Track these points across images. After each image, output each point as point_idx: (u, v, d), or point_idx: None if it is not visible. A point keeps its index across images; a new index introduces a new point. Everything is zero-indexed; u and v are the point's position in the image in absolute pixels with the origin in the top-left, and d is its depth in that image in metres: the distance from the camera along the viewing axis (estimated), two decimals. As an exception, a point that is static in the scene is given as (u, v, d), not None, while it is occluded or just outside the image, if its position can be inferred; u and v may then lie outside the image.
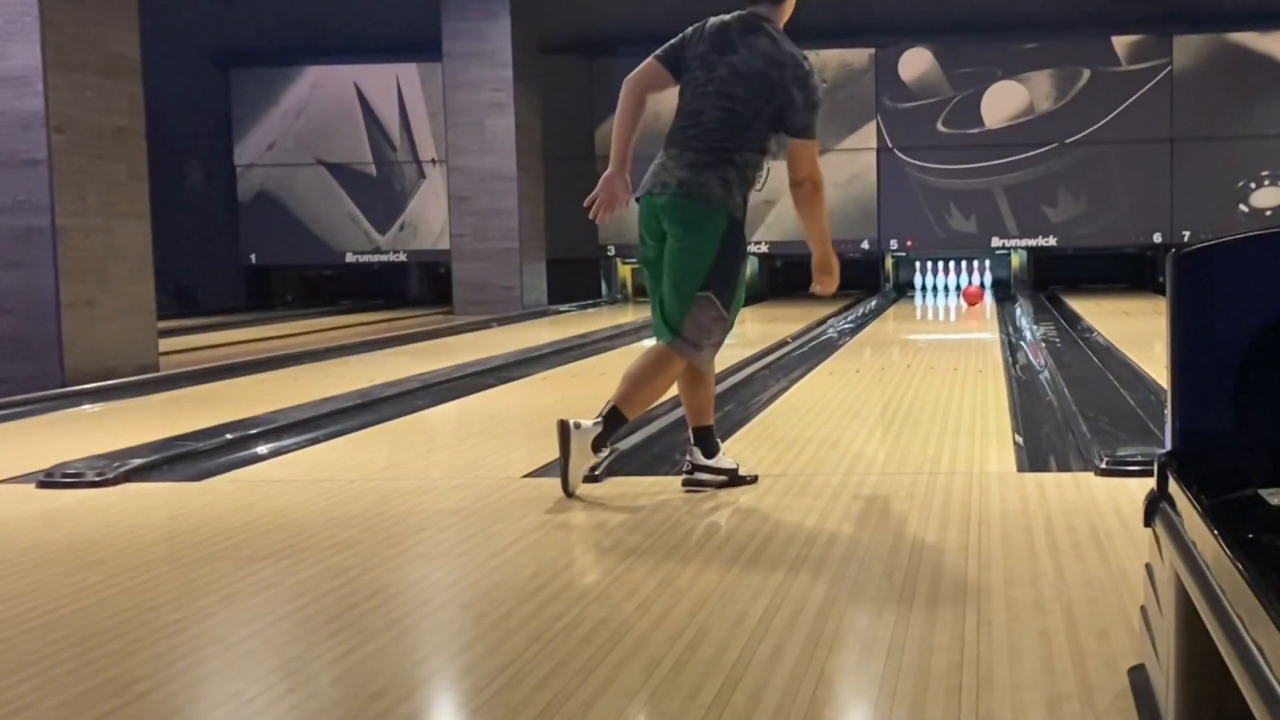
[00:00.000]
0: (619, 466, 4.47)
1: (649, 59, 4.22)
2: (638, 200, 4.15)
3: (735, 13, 4.16)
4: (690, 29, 4.20)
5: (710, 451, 4.15)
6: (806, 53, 4.13)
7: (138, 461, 4.74)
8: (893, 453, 4.81)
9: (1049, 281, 14.96)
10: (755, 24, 4.09)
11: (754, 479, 4.20)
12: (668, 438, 5.10)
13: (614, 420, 4.03)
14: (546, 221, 14.31)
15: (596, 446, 4.00)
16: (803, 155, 4.06)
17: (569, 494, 4.01)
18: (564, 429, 3.97)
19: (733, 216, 4.00)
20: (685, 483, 4.13)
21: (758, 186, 4.11)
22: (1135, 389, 6.18)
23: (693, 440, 4.16)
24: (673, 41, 4.21)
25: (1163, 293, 2.31)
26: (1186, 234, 14.32)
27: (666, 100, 4.31)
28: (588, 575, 3.17)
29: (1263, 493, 1.78)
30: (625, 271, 15.66)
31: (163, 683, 2.49)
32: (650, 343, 4.28)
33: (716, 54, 4.08)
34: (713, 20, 4.17)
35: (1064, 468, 4.51)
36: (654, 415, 5.24)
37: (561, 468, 4.00)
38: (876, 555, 3.29)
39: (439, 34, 13.51)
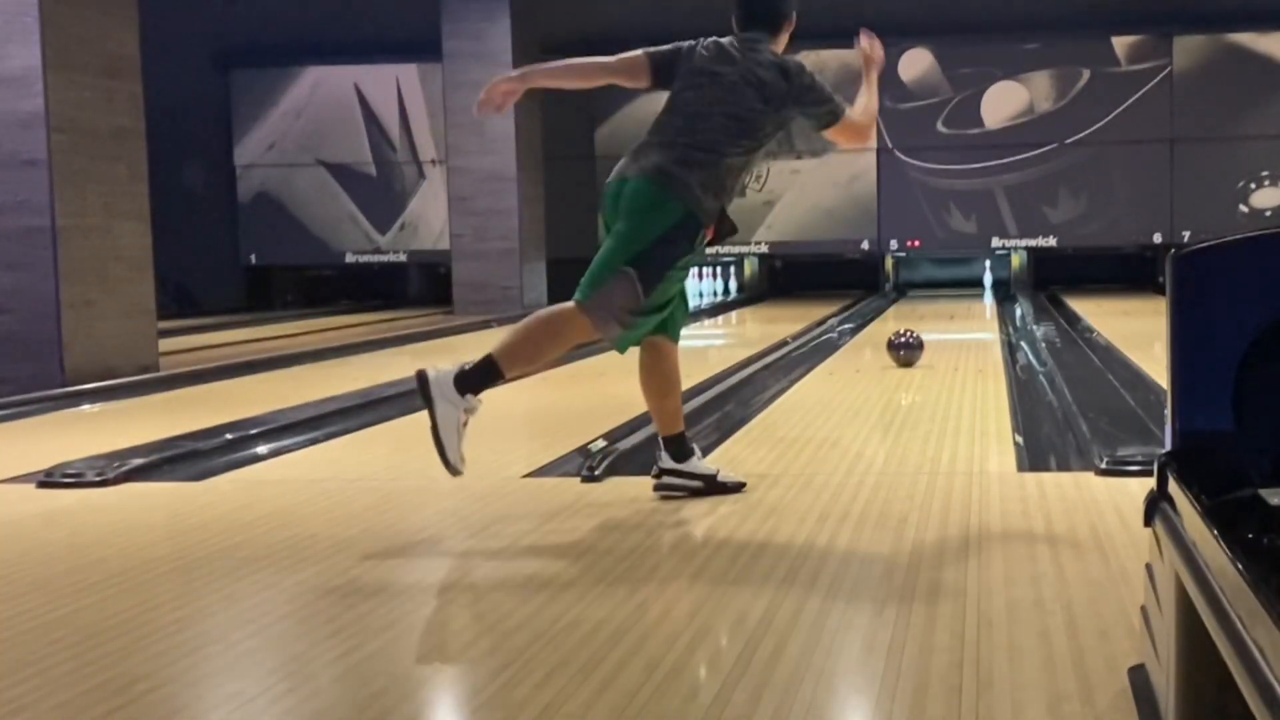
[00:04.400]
0: (619, 466, 4.47)
1: (639, 52, 4.10)
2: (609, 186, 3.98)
3: (731, 35, 4.10)
4: (686, 44, 4.11)
5: (681, 456, 4.04)
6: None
7: (138, 461, 4.74)
8: (893, 453, 4.81)
9: (1049, 281, 14.96)
10: (754, 44, 4.05)
11: (739, 486, 4.08)
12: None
13: (485, 368, 3.75)
14: (546, 221, 14.31)
15: (462, 390, 3.69)
16: (843, 134, 4.13)
17: (453, 469, 3.70)
18: (421, 378, 3.69)
19: (690, 211, 3.85)
20: (655, 487, 4.04)
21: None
22: (1135, 389, 6.18)
23: (662, 446, 4.06)
24: (667, 49, 4.12)
25: (1163, 293, 2.30)
26: (1186, 234, 14.32)
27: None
28: (588, 575, 3.17)
29: (1263, 493, 1.78)
30: (625, 271, 15.63)
31: (163, 683, 2.49)
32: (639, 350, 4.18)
33: (721, 64, 4.02)
34: (710, 39, 4.10)
35: (1064, 468, 4.51)
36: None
37: (433, 432, 3.67)
38: (876, 555, 3.29)
39: (439, 34, 13.51)
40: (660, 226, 3.85)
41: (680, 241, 3.87)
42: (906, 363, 7.54)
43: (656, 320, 3.96)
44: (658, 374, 4.03)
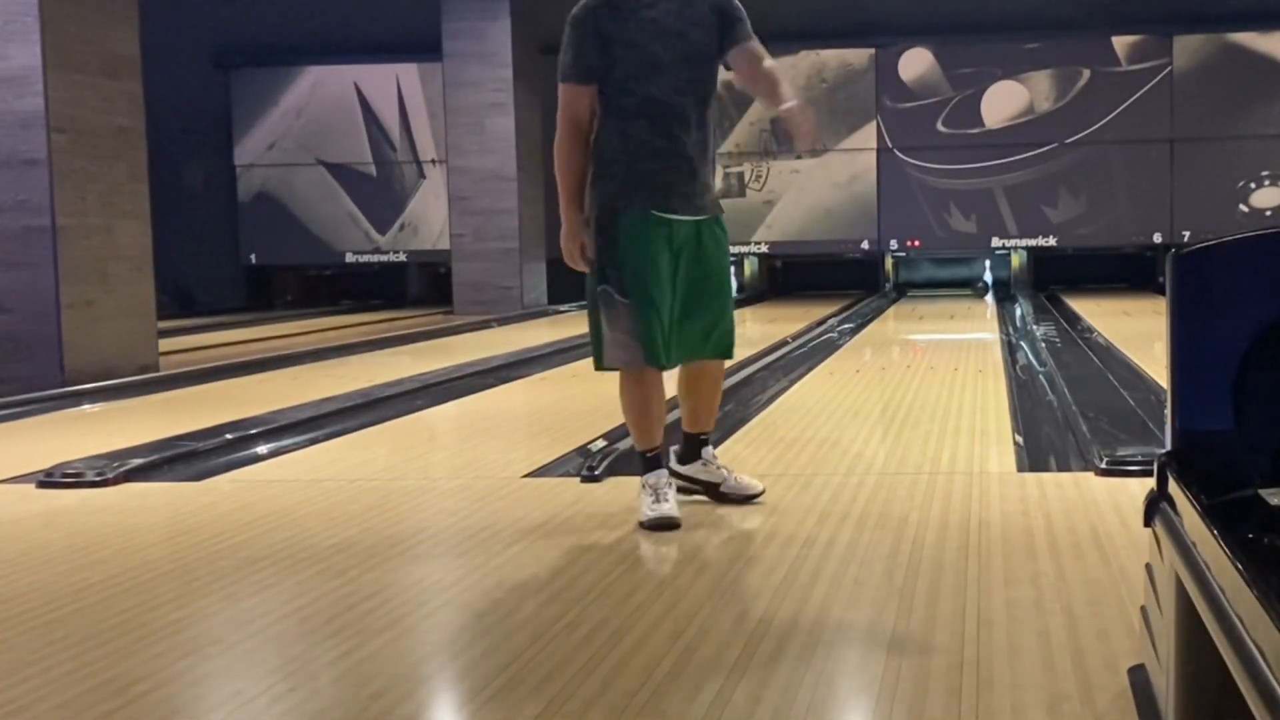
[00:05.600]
0: (619, 466, 4.47)
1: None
2: None
3: None
4: None
5: (688, 459, 3.99)
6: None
7: (138, 461, 4.74)
8: (893, 453, 4.81)
9: (1049, 281, 14.96)
10: None
11: (745, 499, 3.96)
12: (667, 438, 5.09)
13: (642, 461, 3.85)
14: (546, 221, 14.31)
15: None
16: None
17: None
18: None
19: (592, 204, 3.75)
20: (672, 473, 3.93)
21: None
22: (1135, 389, 6.18)
23: (681, 441, 4.02)
24: None
25: (1163, 293, 2.30)
26: (1186, 234, 14.32)
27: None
28: (588, 575, 3.17)
29: (1263, 493, 1.78)
30: (625, 271, 15.62)
31: (163, 683, 2.49)
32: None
33: None
34: None
35: (1064, 468, 4.50)
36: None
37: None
38: (876, 555, 3.29)
39: (439, 34, 13.51)
40: (589, 237, 3.78)
41: (596, 231, 3.74)
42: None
43: (663, 315, 3.76)
44: (695, 380, 4.00)
